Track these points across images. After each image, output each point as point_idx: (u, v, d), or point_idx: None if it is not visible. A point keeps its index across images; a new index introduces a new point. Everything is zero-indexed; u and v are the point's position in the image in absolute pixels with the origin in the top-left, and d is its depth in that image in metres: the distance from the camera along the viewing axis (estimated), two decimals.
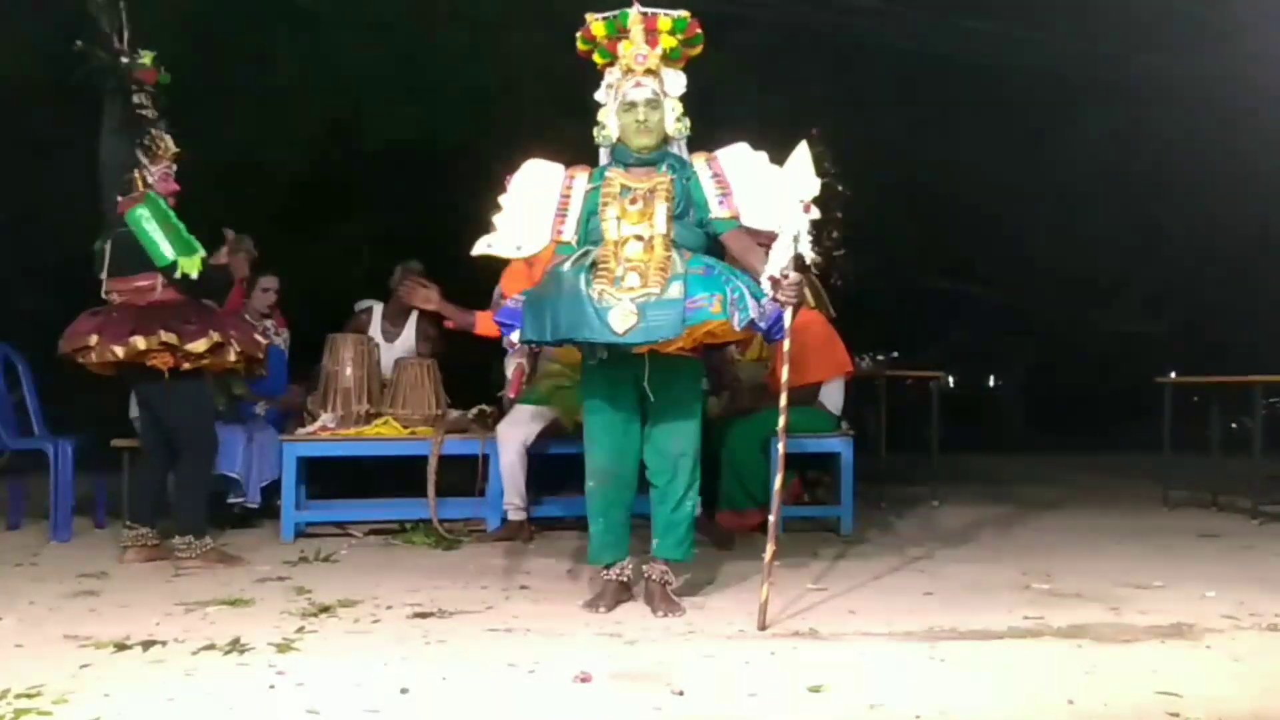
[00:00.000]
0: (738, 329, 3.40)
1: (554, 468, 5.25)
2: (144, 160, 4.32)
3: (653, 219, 3.49)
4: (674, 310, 3.32)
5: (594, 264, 3.43)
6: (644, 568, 3.61)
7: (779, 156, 3.46)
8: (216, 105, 7.88)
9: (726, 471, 5.31)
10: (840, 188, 5.83)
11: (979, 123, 9.44)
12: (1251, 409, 6.03)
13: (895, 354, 6.95)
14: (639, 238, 3.46)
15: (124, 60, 4.34)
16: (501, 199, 3.67)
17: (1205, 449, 6.64)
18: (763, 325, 3.43)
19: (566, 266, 3.46)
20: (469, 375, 6.22)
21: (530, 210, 3.64)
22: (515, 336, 3.55)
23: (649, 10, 3.61)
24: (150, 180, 4.31)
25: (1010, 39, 8.40)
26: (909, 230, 10.07)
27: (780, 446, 3.39)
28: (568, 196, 3.64)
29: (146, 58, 4.38)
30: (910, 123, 9.36)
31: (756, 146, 3.56)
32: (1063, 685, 2.66)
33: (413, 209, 8.34)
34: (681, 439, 3.56)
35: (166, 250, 4.19)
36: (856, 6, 8.31)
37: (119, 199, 4.29)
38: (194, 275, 4.22)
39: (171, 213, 4.30)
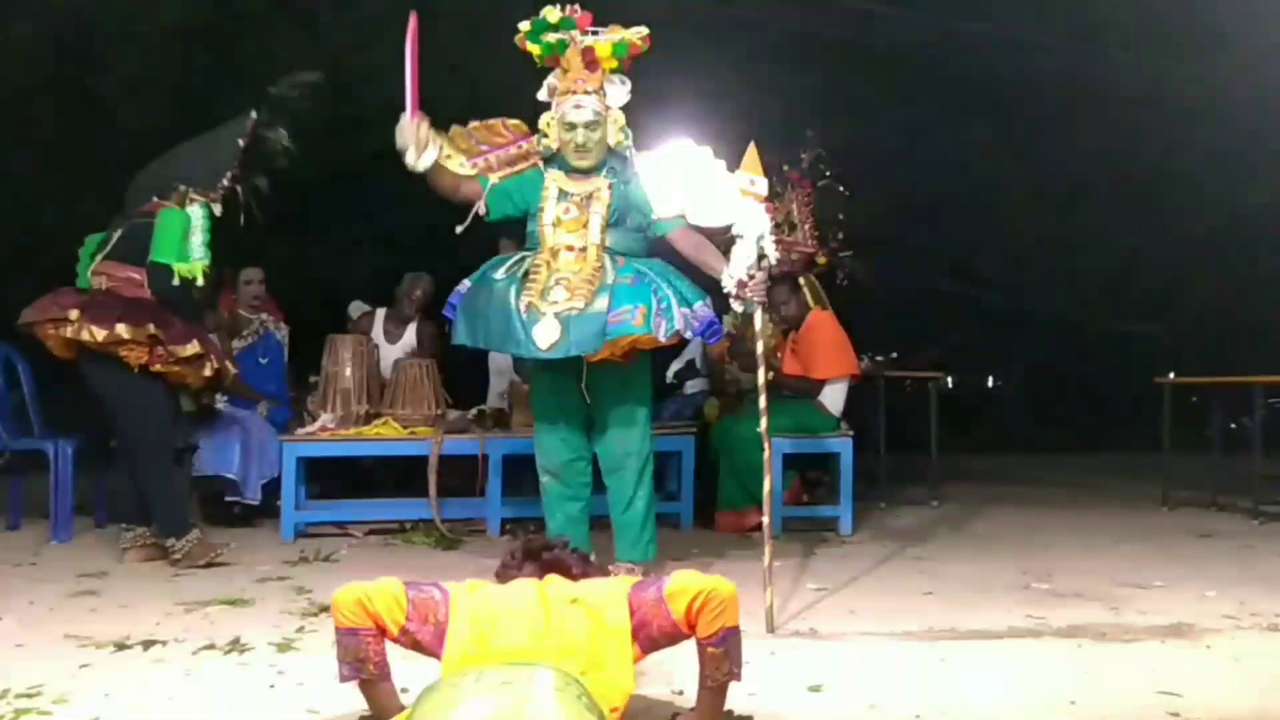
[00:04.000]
0: (662, 340, 3.42)
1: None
2: (208, 193, 4.34)
3: (587, 227, 3.51)
4: (595, 324, 3.34)
5: (526, 274, 3.46)
6: (609, 569, 3.62)
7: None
8: (217, 106, 7.88)
9: (726, 472, 5.32)
10: (841, 189, 5.83)
11: (978, 123, 9.45)
12: (1251, 409, 6.03)
13: (894, 354, 6.95)
14: (571, 248, 3.49)
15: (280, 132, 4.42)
16: (475, 122, 3.76)
17: (1205, 449, 6.64)
18: (689, 334, 3.44)
19: (500, 274, 3.51)
20: (468, 376, 6.22)
21: (486, 145, 3.72)
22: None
23: (586, 40, 3.57)
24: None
25: (1009, 41, 8.41)
26: (909, 230, 10.07)
27: (766, 448, 3.37)
28: (525, 156, 3.71)
29: (281, 137, 4.49)
30: (910, 124, 9.36)
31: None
32: (1063, 685, 2.66)
33: (413, 209, 8.33)
34: (625, 441, 3.57)
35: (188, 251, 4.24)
36: (855, 9, 8.30)
37: (155, 197, 4.31)
38: (195, 280, 4.24)
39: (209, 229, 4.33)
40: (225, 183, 4.36)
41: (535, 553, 2.45)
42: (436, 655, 2.18)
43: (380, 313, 6.12)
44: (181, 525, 4.35)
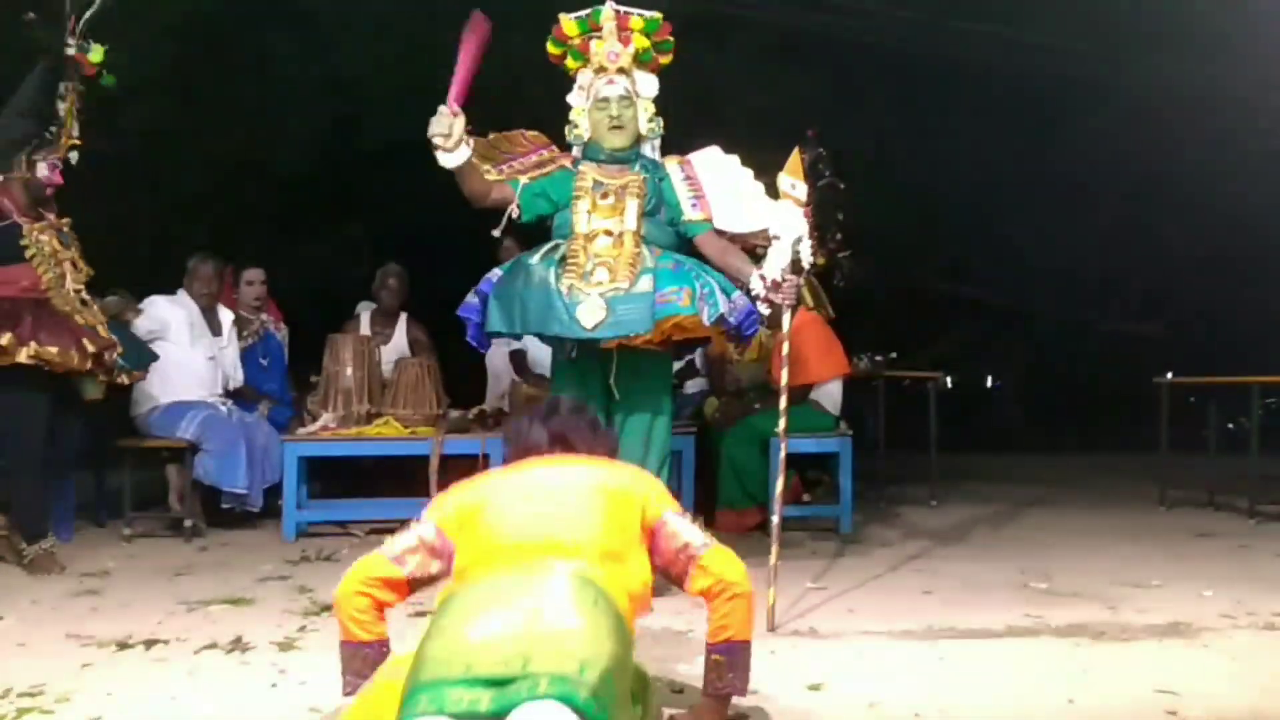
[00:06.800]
0: (707, 324, 3.42)
1: None
2: (37, 146, 4.21)
3: (623, 214, 3.52)
4: (643, 304, 3.33)
5: (563, 258, 3.46)
6: None
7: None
8: (218, 105, 7.89)
9: (725, 471, 5.32)
10: (842, 186, 5.83)
11: (977, 123, 9.46)
12: (1249, 409, 6.05)
13: (894, 354, 6.97)
14: (608, 233, 3.49)
15: (70, 44, 4.28)
16: (495, 134, 3.77)
17: (1202, 449, 6.66)
18: (732, 320, 3.44)
19: (535, 259, 3.50)
20: (470, 375, 6.23)
21: (510, 154, 3.73)
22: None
23: (622, 9, 3.63)
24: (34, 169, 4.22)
25: (1008, 41, 8.42)
26: (908, 230, 10.10)
27: (782, 448, 3.39)
28: (550, 160, 3.74)
29: (96, 53, 4.30)
30: (909, 124, 9.37)
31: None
32: (1061, 684, 2.68)
33: (413, 209, 8.36)
34: (649, 436, 3.56)
35: None
36: (854, 8, 8.32)
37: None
38: None
39: None
40: (58, 134, 4.23)
41: (541, 419, 2.38)
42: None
43: (365, 315, 6.13)
44: (38, 530, 4.25)
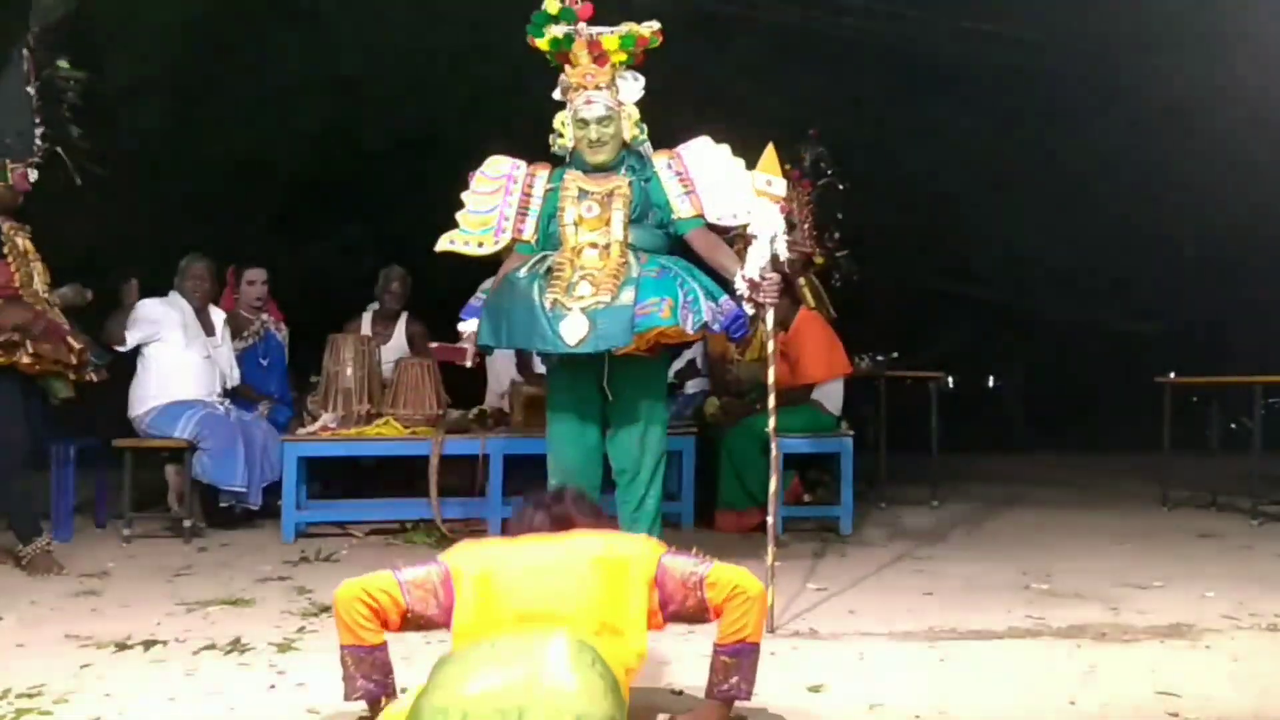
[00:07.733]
0: (690, 332, 3.40)
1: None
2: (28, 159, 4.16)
3: (610, 224, 3.49)
4: (622, 317, 3.32)
5: (549, 270, 3.45)
6: None
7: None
8: (218, 104, 7.89)
9: (726, 471, 5.32)
10: (841, 187, 5.82)
11: (979, 123, 9.44)
12: (1251, 409, 6.04)
13: (895, 354, 6.96)
14: (594, 245, 3.48)
15: (61, 64, 4.22)
16: (464, 196, 3.68)
17: (1205, 449, 6.65)
18: (716, 328, 3.42)
19: (522, 272, 3.49)
20: (470, 376, 6.22)
21: (492, 208, 3.67)
22: (462, 327, 3.67)
23: (594, 33, 3.56)
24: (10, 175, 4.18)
25: (1010, 40, 8.41)
26: (909, 230, 10.08)
27: (774, 448, 3.38)
28: (529, 195, 3.66)
29: (62, 63, 4.20)
30: (910, 123, 9.36)
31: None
32: (1062, 685, 2.67)
33: (414, 208, 8.35)
34: (643, 438, 3.55)
35: None
36: (856, 7, 8.31)
37: None
38: None
39: None
40: (39, 141, 4.13)
41: (545, 505, 2.41)
42: (446, 627, 2.18)
43: (367, 315, 6.13)
44: (31, 531, 4.26)
